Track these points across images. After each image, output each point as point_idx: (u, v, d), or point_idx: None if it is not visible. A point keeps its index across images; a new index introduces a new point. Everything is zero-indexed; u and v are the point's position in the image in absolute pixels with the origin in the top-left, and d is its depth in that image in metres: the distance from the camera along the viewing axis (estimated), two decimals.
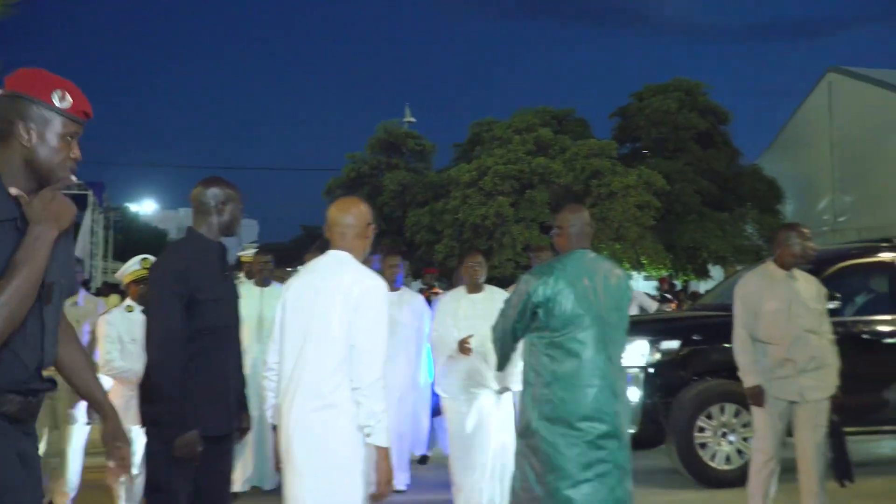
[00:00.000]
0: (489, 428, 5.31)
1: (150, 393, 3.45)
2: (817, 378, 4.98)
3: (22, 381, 2.11)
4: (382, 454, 3.11)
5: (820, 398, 4.99)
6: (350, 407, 3.10)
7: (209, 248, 3.57)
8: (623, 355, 3.92)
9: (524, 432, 3.82)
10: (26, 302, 2.04)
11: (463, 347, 5.27)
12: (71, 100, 2.22)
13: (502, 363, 4.15)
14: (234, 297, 3.65)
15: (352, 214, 3.33)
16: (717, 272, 22.24)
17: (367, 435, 3.07)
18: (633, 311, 11.10)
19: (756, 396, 5.03)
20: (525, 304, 3.82)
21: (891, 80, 20.59)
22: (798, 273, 5.18)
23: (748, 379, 5.05)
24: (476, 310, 5.45)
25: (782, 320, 5.02)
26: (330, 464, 3.09)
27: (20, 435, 2.14)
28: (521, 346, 4.05)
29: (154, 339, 3.40)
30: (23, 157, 2.17)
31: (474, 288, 5.63)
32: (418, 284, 14.97)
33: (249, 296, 6.12)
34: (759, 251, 21.34)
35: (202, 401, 3.39)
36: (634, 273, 23.52)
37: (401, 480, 6.19)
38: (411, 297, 6.66)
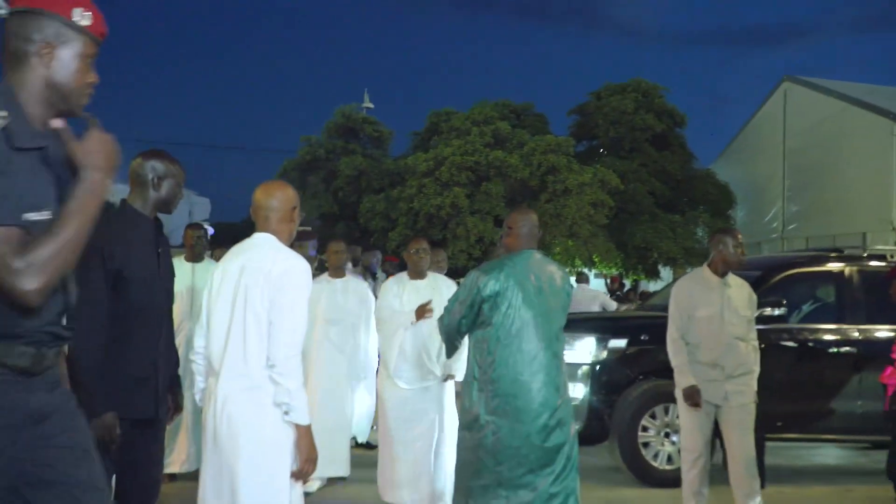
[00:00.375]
0: (431, 412, 5.42)
1: (70, 375, 3.39)
2: (742, 383, 5.14)
3: (38, 329, 1.97)
4: (302, 432, 3.13)
5: (745, 402, 5.14)
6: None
7: (141, 223, 3.44)
8: (565, 353, 4.12)
9: (472, 425, 3.97)
10: (74, 256, 1.91)
11: (423, 311, 5.33)
12: (92, 17, 2.04)
13: (450, 351, 4.38)
14: (167, 277, 3.55)
15: (276, 198, 3.33)
16: (666, 273, 22.55)
17: (285, 413, 3.09)
18: (596, 309, 11.34)
19: (692, 396, 5.13)
20: (474, 298, 3.96)
21: (846, 91, 20.97)
22: (732, 279, 5.29)
23: (684, 379, 5.16)
24: (419, 296, 5.50)
25: (714, 327, 5.14)
26: (257, 445, 3.11)
27: (36, 389, 1.99)
28: (466, 339, 4.23)
29: (76, 319, 3.31)
30: (42, 81, 1.99)
31: (417, 274, 5.67)
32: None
33: (181, 271, 5.92)
34: (709, 254, 21.67)
35: (127, 384, 3.30)
36: (586, 270, 23.81)
37: (341, 468, 6.18)
38: (356, 285, 6.56)
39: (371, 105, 28.47)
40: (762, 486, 5.36)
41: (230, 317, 3.23)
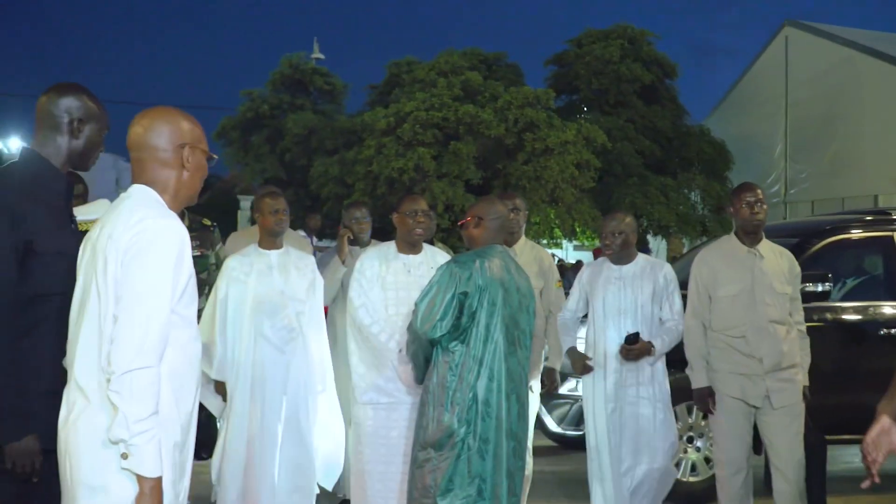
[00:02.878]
0: (405, 437, 4.50)
1: None
2: (785, 379, 4.71)
3: None
4: (146, 487, 2.32)
5: (790, 403, 4.72)
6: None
7: (52, 180, 2.98)
8: (526, 369, 4.11)
9: (443, 442, 3.88)
10: None
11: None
12: None
13: (421, 373, 4.10)
14: (76, 254, 2.84)
15: (155, 132, 2.59)
16: (656, 245, 22.19)
17: (123, 457, 2.30)
18: None
19: (703, 399, 4.82)
20: (454, 292, 3.87)
21: (853, 38, 20.68)
22: (766, 248, 4.82)
23: (697, 378, 4.88)
24: (411, 278, 4.59)
25: (744, 308, 4.70)
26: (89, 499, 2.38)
27: None
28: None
29: None
30: None
31: (410, 247, 4.72)
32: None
33: None
34: (705, 222, 21.39)
35: (37, 395, 2.80)
36: (565, 242, 23.37)
37: None
38: (299, 258, 5.06)
39: (322, 56, 27.77)
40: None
41: (80, 307, 2.51)
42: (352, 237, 5.56)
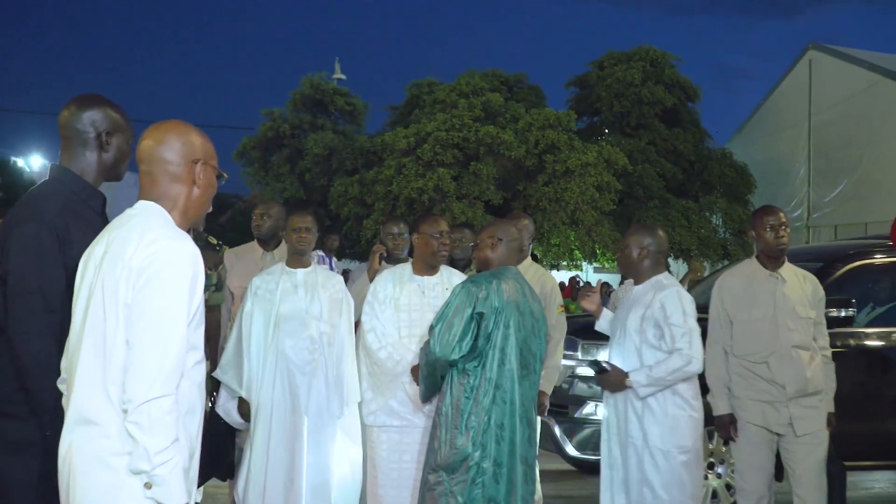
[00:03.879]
0: (417, 462, 4.50)
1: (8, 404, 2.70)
2: (809, 406, 4.61)
3: None
4: None
5: (814, 430, 4.62)
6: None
7: (90, 198, 2.91)
8: (538, 384, 4.15)
9: (456, 466, 3.86)
10: None
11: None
12: None
13: (429, 393, 4.10)
14: None
15: (166, 146, 2.51)
16: (677, 268, 22.05)
17: (147, 486, 2.25)
18: None
19: (725, 427, 4.72)
20: (472, 312, 3.86)
21: (878, 62, 20.54)
22: (788, 272, 4.74)
23: (718, 405, 4.74)
24: (425, 300, 4.57)
25: (766, 333, 4.61)
26: None
27: None
28: None
29: (31, 330, 2.65)
30: None
31: (427, 268, 4.67)
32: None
33: None
34: (727, 245, 21.27)
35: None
36: (585, 264, 23.24)
37: None
38: (326, 276, 5.06)
39: (343, 76, 27.89)
40: None
41: (81, 328, 2.40)
42: (385, 254, 5.45)
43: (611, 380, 4.41)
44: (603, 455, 4.61)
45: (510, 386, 3.89)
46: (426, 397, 4.15)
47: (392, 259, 5.39)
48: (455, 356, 3.85)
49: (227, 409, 4.78)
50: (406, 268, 4.71)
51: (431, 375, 4.02)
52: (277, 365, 4.61)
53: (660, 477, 4.29)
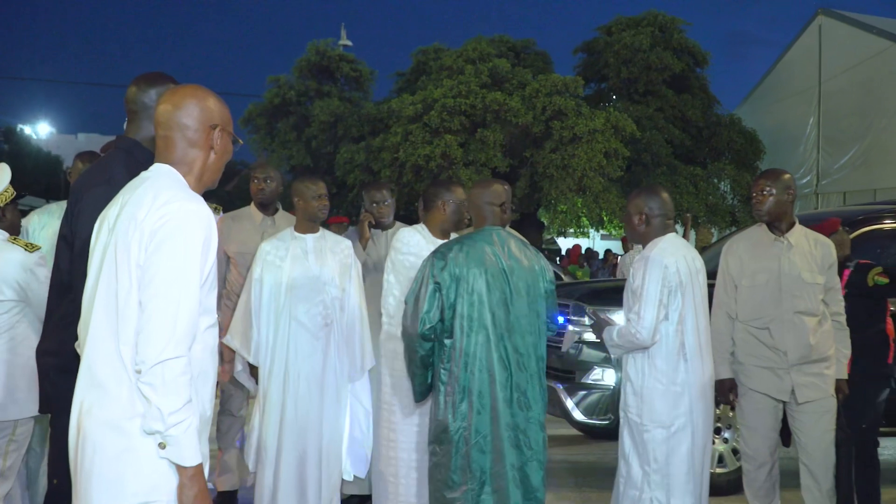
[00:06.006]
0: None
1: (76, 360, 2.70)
2: (813, 374, 4.56)
3: None
4: (187, 477, 2.31)
5: (817, 398, 4.57)
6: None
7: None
8: (535, 354, 3.93)
9: (441, 437, 3.87)
10: None
11: None
12: None
13: (419, 385, 4.03)
14: None
15: (185, 110, 2.52)
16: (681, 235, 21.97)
17: (161, 446, 2.29)
18: None
19: (724, 392, 4.69)
20: (435, 287, 3.83)
21: (889, 28, 20.33)
22: (798, 235, 4.67)
23: (718, 370, 4.65)
24: None
25: (769, 298, 4.56)
26: (113, 495, 2.32)
27: None
28: None
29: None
30: None
31: (443, 233, 4.74)
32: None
33: None
34: (734, 212, 21.22)
35: None
36: (592, 231, 23.22)
37: None
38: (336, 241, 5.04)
39: (349, 42, 27.72)
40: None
41: (94, 290, 2.42)
42: (373, 222, 5.46)
43: (594, 328, 4.55)
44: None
45: (483, 353, 3.81)
46: (418, 394, 4.05)
47: (380, 227, 5.43)
48: (424, 328, 3.81)
49: (240, 375, 4.84)
50: (424, 231, 4.75)
51: (411, 363, 3.95)
52: (291, 331, 4.62)
53: (635, 450, 4.24)
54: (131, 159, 3.01)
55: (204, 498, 2.33)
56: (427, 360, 3.90)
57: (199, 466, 2.32)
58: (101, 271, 2.42)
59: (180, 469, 2.30)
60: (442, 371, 3.85)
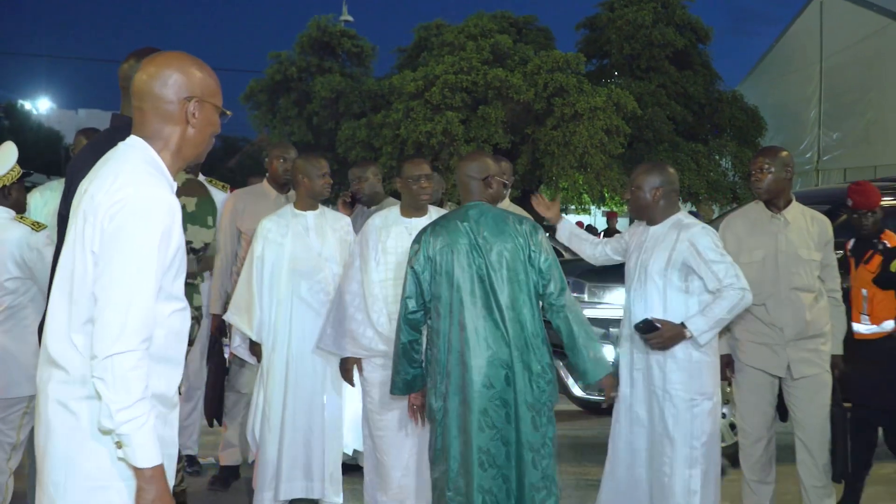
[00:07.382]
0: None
1: None
2: (808, 349, 4.58)
3: None
4: (143, 479, 2.16)
5: (813, 374, 4.59)
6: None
7: None
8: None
9: (428, 416, 3.93)
10: None
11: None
12: None
13: (399, 378, 4.01)
14: None
15: (160, 80, 2.32)
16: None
17: (118, 446, 2.16)
18: None
19: (721, 367, 4.58)
20: (413, 272, 3.83)
21: (889, 5, 20.27)
22: (794, 213, 4.67)
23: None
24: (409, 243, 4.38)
25: (764, 275, 4.56)
26: (71, 490, 2.23)
27: None
28: None
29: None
30: None
31: (414, 210, 4.54)
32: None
33: None
34: (736, 189, 21.22)
35: None
36: (594, 208, 23.24)
37: (331, 491, 4.77)
38: (335, 218, 5.06)
39: (350, 18, 27.65)
40: (839, 481, 4.84)
41: (54, 279, 2.33)
42: (348, 199, 5.49)
43: (665, 336, 4.08)
44: (621, 417, 4.44)
45: (456, 334, 3.75)
46: (401, 388, 3.98)
47: (366, 204, 5.50)
48: (406, 312, 3.84)
49: (240, 351, 4.88)
50: (395, 210, 4.62)
51: (395, 344, 3.95)
52: (293, 307, 4.66)
53: (681, 428, 4.14)
54: (125, 138, 2.96)
55: (165, 502, 2.18)
56: (409, 351, 3.89)
57: (158, 468, 2.17)
58: (64, 253, 2.31)
59: (136, 471, 2.16)
60: (427, 353, 3.89)
